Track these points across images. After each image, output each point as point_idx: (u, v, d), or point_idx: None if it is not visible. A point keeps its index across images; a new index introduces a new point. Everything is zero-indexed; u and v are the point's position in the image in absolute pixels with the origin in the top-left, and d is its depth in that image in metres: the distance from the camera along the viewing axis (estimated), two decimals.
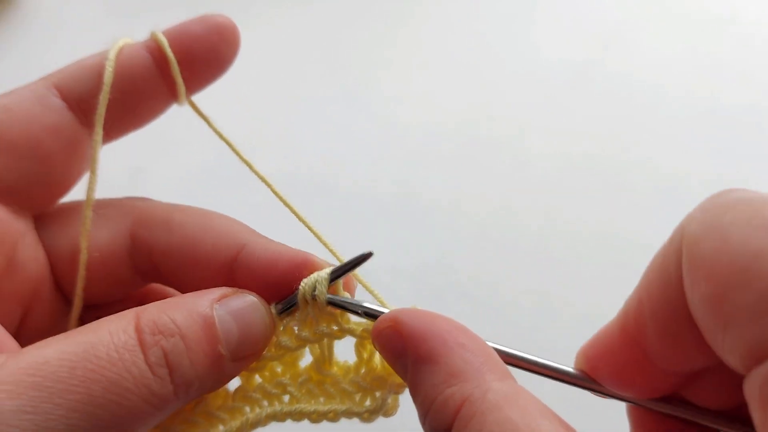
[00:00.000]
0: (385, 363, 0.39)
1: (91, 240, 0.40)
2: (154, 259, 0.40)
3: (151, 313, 0.33)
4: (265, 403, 0.41)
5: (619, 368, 0.35)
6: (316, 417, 0.40)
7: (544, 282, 0.80)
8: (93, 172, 0.40)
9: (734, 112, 0.95)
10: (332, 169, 0.90)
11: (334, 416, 0.40)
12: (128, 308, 0.42)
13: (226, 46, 0.41)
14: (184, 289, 0.40)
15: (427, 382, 0.32)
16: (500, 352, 0.35)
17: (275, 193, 0.43)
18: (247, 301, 0.37)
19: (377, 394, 0.39)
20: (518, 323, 0.77)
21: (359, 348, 0.40)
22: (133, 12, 1.03)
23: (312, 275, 0.38)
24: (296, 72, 1.00)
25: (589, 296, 0.76)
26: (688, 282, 0.29)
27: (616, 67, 1.00)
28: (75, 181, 0.41)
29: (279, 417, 0.41)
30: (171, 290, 0.44)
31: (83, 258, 0.40)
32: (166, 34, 0.40)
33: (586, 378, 0.36)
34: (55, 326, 0.40)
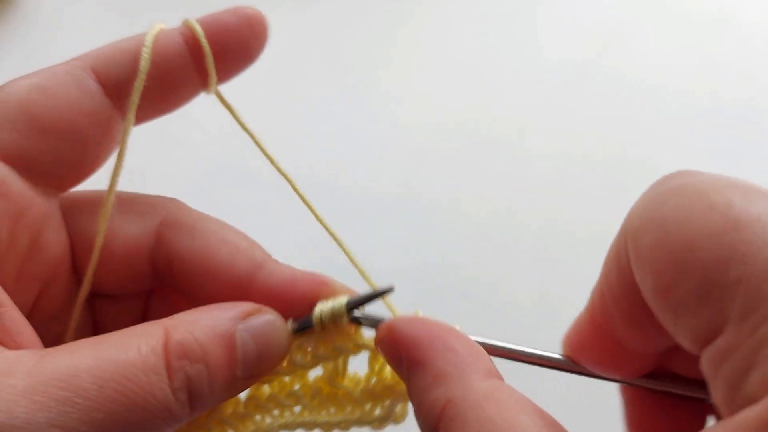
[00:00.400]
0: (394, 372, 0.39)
1: (117, 231, 0.41)
2: (173, 263, 0.41)
3: (180, 333, 0.33)
4: (276, 412, 0.41)
5: (597, 354, 0.36)
6: (327, 427, 0.41)
7: (544, 282, 0.80)
8: (120, 159, 0.41)
9: (735, 112, 0.95)
10: (332, 169, 0.90)
11: (345, 426, 0.41)
12: (138, 305, 0.43)
13: (256, 38, 0.41)
14: (195, 300, 0.40)
15: (417, 385, 0.33)
16: (485, 345, 0.36)
17: (295, 190, 0.44)
18: (268, 320, 0.37)
19: (386, 402, 0.39)
20: (518, 323, 0.77)
21: (372, 360, 0.40)
22: (134, 11, 1.03)
23: (329, 302, 0.38)
24: (296, 72, 1.00)
25: (588, 296, 0.76)
26: (637, 276, 0.31)
27: (616, 67, 1.00)
28: (102, 162, 0.42)
29: (291, 426, 0.41)
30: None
31: (99, 242, 0.40)
32: (200, 22, 0.41)
33: (572, 362, 0.37)
34: (67, 309, 0.41)
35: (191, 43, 0.40)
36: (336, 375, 0.41)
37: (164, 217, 0.41)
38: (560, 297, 0.77)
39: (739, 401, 0.25)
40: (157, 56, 0.40)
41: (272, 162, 0.44)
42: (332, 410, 0.41)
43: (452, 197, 0.88)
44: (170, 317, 0.35)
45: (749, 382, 0.25)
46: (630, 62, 1.00)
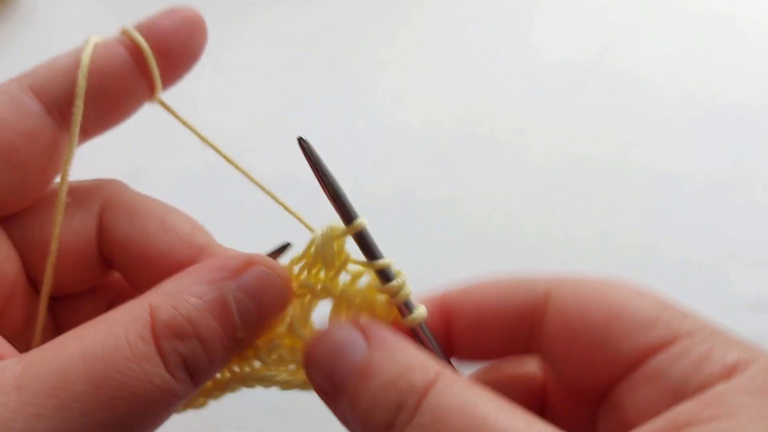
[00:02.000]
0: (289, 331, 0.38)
1: (62, 226, 0.39)
2: (113, 249, 0.39)
3: (166, 311, 0.32)
4: (236, 368, 0.40)
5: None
6: (286, 386, 0.39)
7: None
8: (64, 179, 0.39)
9: (734, 112, 0.95)
10: (332, 169, 0.90)
11: (305, 386, 0.39)
12: (99, 298, 0.41)
13: (197, 38, 0.41)
14: (138, 285, 0.39)
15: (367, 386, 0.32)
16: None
17: (250, 178, 0.43)
18: (263, 274, 0.35)
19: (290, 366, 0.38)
20: None
21: (335, 313, 0.39)
22: (133, 12, 1.03)
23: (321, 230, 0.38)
24: (296, 72, 1.00)
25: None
26: (566, 317, 0.37)
27: (615, 68, 1.00)
28: (50, 183, 0.40)
29: (248, 383, 0.40)
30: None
31: (53, 249, 0.38)
32: (139, 29, 0.40)
33: None
34: (29, 318, 0.39)
35: (133, 52, 0.40)
36: (302, 322, 0.39)
37: (104, 202, 0.40)
38: None
39: (692, 389, 0.31)
40: (99, 68, 0.38)
41: (218, 153, 0.43)
42: (291, 367, 0.40)
43: (451, 197, 0.88)
44: (154, 290, 0.34)
45: (704, 373, 0.31)
46: (629, 63, 1.00)
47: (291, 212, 0.41)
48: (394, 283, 0.37)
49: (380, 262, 0.37)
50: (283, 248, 0.37)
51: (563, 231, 0.85)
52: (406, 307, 0.37)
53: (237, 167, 0.42)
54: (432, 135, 0.93)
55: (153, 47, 0.40)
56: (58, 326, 0.41)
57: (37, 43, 1.02)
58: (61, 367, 0.30)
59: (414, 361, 0.32)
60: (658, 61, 1.00)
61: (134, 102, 0.41)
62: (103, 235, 0.39)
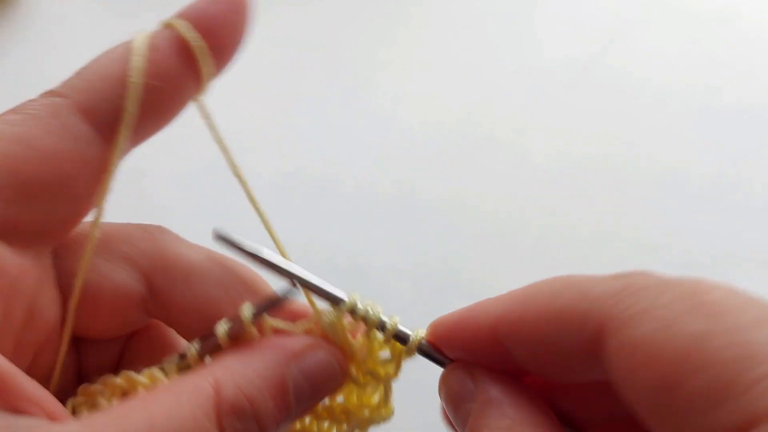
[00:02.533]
0: (356, 396, 0.39)
1: (104, 282, 0.38)
2: (171, 312, 0.39)
3: (230, 390, 0.32)
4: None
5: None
6: None
7: None
8: (100, 206, 0.37)
9: (735, 112, 0.95)
10: (332, 169, 0.90)
11: None
12: (119, 343, 0.41)
13: (243, 23, 0.38)
14: (185, 333, 0.40)
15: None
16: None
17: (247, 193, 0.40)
18: (324, 360, 0.36)
19: (344, 426, 0.39)
20: None
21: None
22: (133, 12, 1.03)
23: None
24: (296, 72, 1.00)
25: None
26: (617, 370, 0.28)
27: (617, 67, 1.00)
28: (96, 204, 0.38)
29: None
30: (172, 331, 0.43)
31: (75, 295, 0.37)
32: (184, 18, 0.36)
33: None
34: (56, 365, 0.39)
35: (180, 47, 0.36)
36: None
37: (155, 262, 0.39)
38: None
39: None
40: (147, 76, 0.35)
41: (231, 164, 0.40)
42: (297, 425, 0.41)
43: (452, 197, 0.88)
44: (219, 364, 0.34)
45: None
46: (630, 61, 1.00)
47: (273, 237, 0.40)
48: (412, 340, 0.37)
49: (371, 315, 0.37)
50: (276, 301, 0.36)
51: (564, 230, 0.85)
52: (399, 339, 0.37)
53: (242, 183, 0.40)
54: (432, 135, 0.93)
55: (202, 38, 0.36)
56: (81, 365, 0.41)
57: (37, 43, 1.02)
58: None
59: None
60: (658, 61, 1.00)
61: (181, 104, 0.38)
62: (157, 299, 0.39)
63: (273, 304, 0.36)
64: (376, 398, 0.39)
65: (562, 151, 0.92)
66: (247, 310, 0.35)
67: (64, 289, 0.38)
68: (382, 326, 0.37)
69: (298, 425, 0.41)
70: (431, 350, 0.36)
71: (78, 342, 0.40)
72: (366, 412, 0.39)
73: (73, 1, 1.06)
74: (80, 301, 0.37)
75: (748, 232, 0.84)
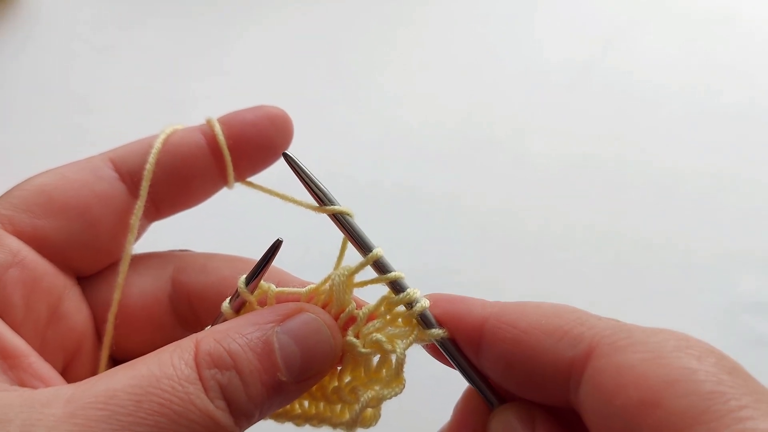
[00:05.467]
0: (367, 375, 0.39)
1: (133, 286, 0.43)
2: (193, 302, 0.43)
3: (209, 344, 0.34)
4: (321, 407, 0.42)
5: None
6: (300, 422, 0.41)
7: (545, 281, 0.80)
8: (132, 235, 0.43)
9: (735, 112, 0.95)
10: (332, 169, 0.90)
11: (317, 423, 0.41)
12: None
13: (277, 132, 0.43)
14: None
15: None
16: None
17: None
18: (309, 321, 0.37)
19: (356, 407, 0.39)
20: None
21: (347, 360, 0.40)
22: (133, 12, 1.03)
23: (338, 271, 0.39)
24: (298, 73, 1.00)
25: (589, 295, 0.76)
26: (593, 390, 0.32)
27: (616, 68, 1.00)
28: (121, 247, 0.43)
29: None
30: None
31: (116, 298, 0.42)
32: (221, 121, 0.43)
33: None
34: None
35: (210, 140, 0.43)
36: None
37: (176, 265, 0.43)
38: (560, 296, 0.77)
39: None
40: (174, 149, 0.42)
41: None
42: (305, 404, 0.42)
43: (453, 197, 0.88)
44: (203, 330, 0.36)
45: None
46: (629, 63, 1.00)
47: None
48: (406, 294, 0.38)
49: (394, 274, 0.39)
50: (276, 246, 0.38)
51: (564, 230, 0.85)
52: (423, 320, 0.38)
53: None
54: (432, 135, 0.94)
55: (232, 137, 0.42)
56: None
57: (37, 43, 1.02)
58: (108, 386, 0.32)
59: None
60: (658, 62, 1.00)
61: (208, 186, 0.44)
62: (180, 293, 0.43)
63: (262, 265, 0.38)
64: (384, 374, 0.39)
65: (562, 151, 0.92)
66: (241, 278, 0.38)
67: (93, 307, 0.43)
68: (399, 288, 0.39)
69: (313, 410, 0.41)
70: (431, 320, 0.38)
71: (115, 363, 0.42)
72: (376, 388, 0.39)
73: (73, 2, 1.06)
74: (114, 318, 0.42)
75: (747, 232, 0.85)
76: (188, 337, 0.35)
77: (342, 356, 0.39)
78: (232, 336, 0.35)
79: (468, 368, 0.37)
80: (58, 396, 0.31)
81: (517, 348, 0.34)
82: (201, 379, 0.33)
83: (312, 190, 0.39)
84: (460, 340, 0.37)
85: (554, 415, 0.36)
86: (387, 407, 0.40)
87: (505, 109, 0.96)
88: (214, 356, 0.34)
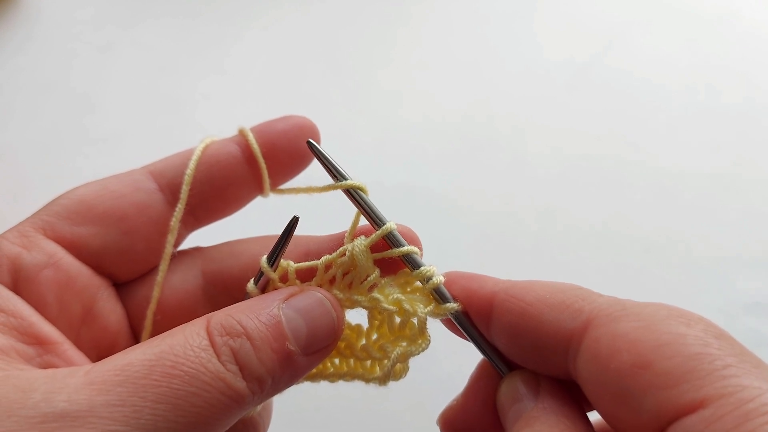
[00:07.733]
0: (392, 333, 0.43)
1: (166, 284, 0.45)
2: (230, 287, 0.45)
3: (219, 317, 0.37)
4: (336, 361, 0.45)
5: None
6: (334, 378, 0.44)
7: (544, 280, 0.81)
8: (171, 235, 0.45)
9: (735, 112, 0.95)
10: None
11: (350, 379, 0.44)
12: None
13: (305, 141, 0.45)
14: None
15: None
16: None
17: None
18: (312, 297, 0.40)
19: (386, 362, 0.42)
20: None
21: (372, 317, 0.43)
22: (133, 13, 1.03)
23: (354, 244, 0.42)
24: (297, 71, 1.00)
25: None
26: (590, 357, 0.34)
27: (617, 67, 1.00)
28: (158, 256, 0.45)
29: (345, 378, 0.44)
30: None
31: (155, 295, 0.44)
32: (253, 130, 0.46)
33: None
34: None
35: (245, 148, 0.45)
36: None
37: (204, 257, 0.45)
38: None
39: None
40: (210, 159, 0.45)
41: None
42: (336, 362, 0.44)
43: (452, 196, 0.88)
44: (213, 312, 0.38)
45: None
46: (629, 62, 1.00)
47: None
48: (423, 269, 0.43)
49: (407, 248, 0.43)
50: (293, 223, 0.41)
51: (563, 229, 0.85)
52: (438, 295, 0.41)
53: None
54: (432, 134, 0.94)
55: (264, 147, 0.45)
56: None
57: (37, 42, 1.02)
58: (127, 358, 0.34)
59: None
60: (658, 61, 1.00)
61: (243, 194, 0.46)
62: (213, 282, 0.45)
63: (281, 242, 0.41)
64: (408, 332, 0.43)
65: (562, 151, 0.92)
66: (263, 258, 0.41)
67: (128, 309, 0.45)
68: (415, 265, 0.43)
69: (344, 367, 0.44)
70: (446, 294, 0.42)
71: None
72: (404, 344, 0.42)
73: (74, 1, 1.06)
74: (146, 311, 0.44)
75: (747, 232, 0.85)
76: (200, 318, 0.37)
77: (369, 315, 0.43)
78: (241, 310, 0.37)
79: (480, 339, 0.40)
80: (79, 369, 0.34)
81: (523, 320, 0.37)
82: (213, 345, 0.35)
83: (329, 169, 0.42)
84: (472, 313, 0.40)
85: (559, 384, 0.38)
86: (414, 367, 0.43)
87: (505, 109, 0.96)
88: (225, 325, 0.36)
